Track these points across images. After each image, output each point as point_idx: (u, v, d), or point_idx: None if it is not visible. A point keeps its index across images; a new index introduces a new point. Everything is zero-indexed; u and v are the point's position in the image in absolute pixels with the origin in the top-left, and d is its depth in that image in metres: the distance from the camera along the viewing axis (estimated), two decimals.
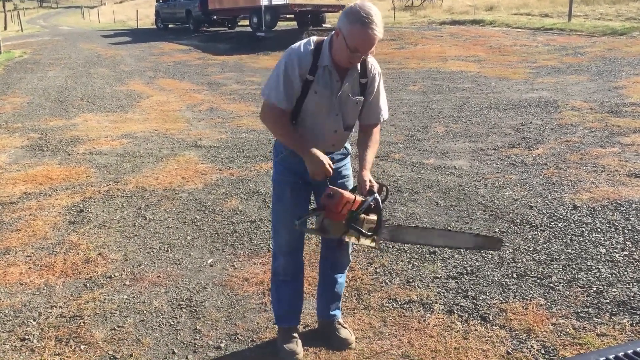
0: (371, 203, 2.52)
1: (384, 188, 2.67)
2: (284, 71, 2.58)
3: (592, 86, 9.73)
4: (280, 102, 2.60)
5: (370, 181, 2.61)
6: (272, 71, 2.66)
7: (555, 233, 4.28)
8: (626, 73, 10.70)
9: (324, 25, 21.95)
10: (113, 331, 3.26)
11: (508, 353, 2.94)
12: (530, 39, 16.64)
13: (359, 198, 2.53)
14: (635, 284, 3.51)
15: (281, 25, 23.07)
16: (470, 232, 2.86)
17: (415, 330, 3.17)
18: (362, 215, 2.52)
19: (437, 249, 4.09)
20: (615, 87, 9.49)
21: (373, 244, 2.61)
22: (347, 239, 2.57)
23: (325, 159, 2.59)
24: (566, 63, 12.33)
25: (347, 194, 2.51)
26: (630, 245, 4.02)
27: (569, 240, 4.15)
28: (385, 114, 2.83)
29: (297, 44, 2.62)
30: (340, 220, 2.50)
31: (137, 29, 31.92)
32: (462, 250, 4.05)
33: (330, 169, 2.58)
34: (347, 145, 2.91)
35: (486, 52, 14.91)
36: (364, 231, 2.51)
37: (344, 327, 3.11)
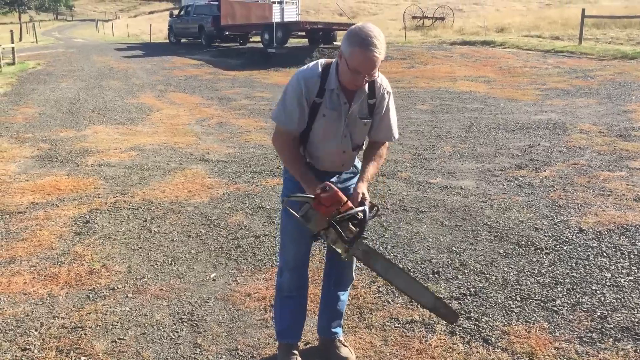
0: (359, 214, 2.52)
1: (375, 207, 2.66)
2: (291, 95, 2.60)
3: (601, 109, 9.72)
4: (288, 126, 2.63)
5: (363, 194, 2.61)
6: (281, 94, 2.68)
7: (561, 256, 4.25)
8: (636, 97, 10.68)
9: (334, 43, 22.09)
10: (114, 343, 3.26)
11: None
12: (540, 61, 16.66)
13: (350, 204, 2.53)
14: None
15: (292, 42, 23.25)
16: (433, 293, 2.78)
17: (417, 350, 3.15)
18: (348, 223, 2.53)
19: (441, 269, 4.07)
20: (624, 111, 9.47)
21: (344, 254, 2.59)
22: (323, 235, 2.57)
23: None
24: (576, 86, 12.33)
25: (341, 194, 2.52)
26: (636, 270, 3.99)
27: (574, 264, 4.12)
28: (395, 133, 2.83)
29: (305, 67, 2.65)
30: (325, 215, 2.51)
31: (150, 43, 32.25)
32: (465, 272, 4.04)
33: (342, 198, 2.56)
34: (357, 164, 2.92)
35: (496, 73, 14.94)
36: (342, 234, 2.50)
37: (345, 346, 3.09)
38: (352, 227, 2.55)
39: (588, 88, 11.97)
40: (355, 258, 2.77)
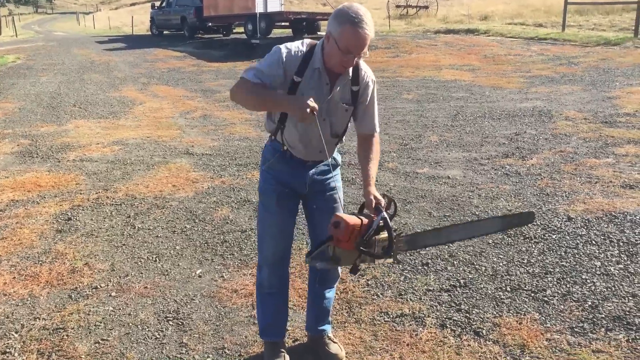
0: (380, 222, 2.40)
1: (392, 203, 2.55)
2: (270, 61, 2.50)
3: (585, 96, 9.72)
4: (254, 78, 2.47)
5: (376, 197, 2.48)
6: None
7: (550, 245, 4.22)
8: (620, 83, 10.70)
9: (318, 32, 21.96)
10: (97, 345, 3.18)
11: None
12: (524, 48, 16.65)
13: (366, 220, 2.40)
14: (630, 298, 3.45)
15: (276, 32, 23.07)
16: (494, 217, 2.68)
17: (407, 345, 3.10)
18: (375, 237, 2.41)
19: (430, 261, 4.03)
20: (609, 98, 9.48)
21: (391, 260, 2.50)
22: (362, 265, 2.47)
23: (305, 97, 2.40)
24: (560, 73, 12.33)
25: (352, 219, 2.37)
26: (626, 258, 3.97)
27: (563, 253, 4.09)
28: (377, 126, 2.75)
29: (291, 43, 2.56)
30: (350, 248, 2.38)
31: (132, 35, 31.87)
32: (455, 263, 3.99)
33: (315, 105, 2.36)
34: (337, 156, 2.84)
35: (480, 61, 14.91)
36: (375, 253, 2.39)
37: (334, 342, 3.03)
38: (382, 236, 2.42)
39: (572, 75, 11.97)
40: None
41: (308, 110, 2.33)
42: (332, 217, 2.42)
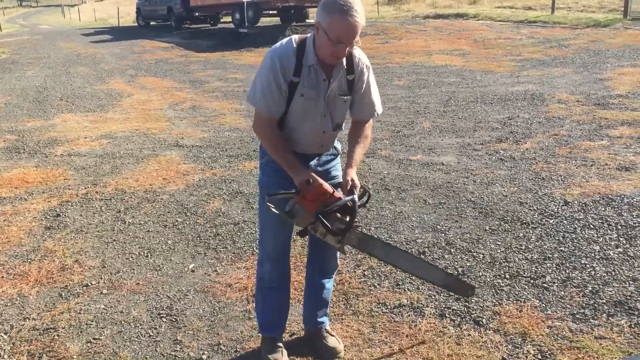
0: (348, 203, 2.38)
1: (367, 193, 2.52)
2: (268, 75, 2.40)
3: (577, 78, 9.67)
4: (271, 108, 2.44)
5: (353, 181, 2.46)
6: (255, 76, 2.49)
7: (547, 230, 4.17)
8: (611, 65, 10.65)
9: (307, 20, 21.76)
10: (89, 344, 3.10)
11: (503, 359, 2.82)
12: (514, 32, 16.58)
13: (337, 194, 2.38)
14: (631, 282, 3.40)
15: (264, 21, 22.86)
16: (442, 269, 2.73)
17: (406, 336, 3.04)
18: (337, 214, 2.39)
19: (426, 249, 3.96)
20: (600, 79, 9.43)
21: (337, 245, 2.46)
22: (311, 231, 2.42)
23: (319, 179, 2.42)
24: (551, 55, 12.27)
25: (326, 185, 2.37)
26: (624, 241, 3.92)
27: (561, 238, 4.04)
28: (379, 108, 2.68)
29: (277, 44, 2.46)
30: (311, 209, 2.36)
31: (118, 27, 31.52)
32: (452, 251, 3.93)
33: (328, 190, 2.41)
34: (337, 145, 2.76)
35: (470, 45, 14.83)
36: (330, 227, 2.36)
37: (332, 335, 2.96)
38: (342, 217, 2.40)
39: (563, 57, 11.91)
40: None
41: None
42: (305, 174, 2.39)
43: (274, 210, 2.43)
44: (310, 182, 2.34)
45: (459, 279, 2.79)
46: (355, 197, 2.39)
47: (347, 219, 2.41)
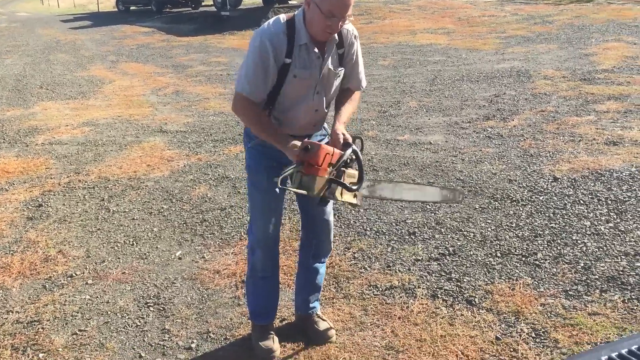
0: (351, 155, 2.30)
1: (358, 140, 2.42)
2: (256, 58, 2.29)
3: (563, 54, 9.62)
4: (254, 94, 2.34)
5: (344, 134, 2.37)
6: (243, 59, 2.39)
7: (537, 207, 4.13)
8: (595, 40, 10.62)
9: (290, 2, 21.51)
10: (74, 336, 3.02)
11: (497, 338, 2.79)
12: (497, 9, 16.50)
13: (337, 150, 2.29)
14: (623, 257, 3.38)
15: (246, 3, 22.58)
16: (436, 186, 2.81)
17: (399, 318, 3.00)
18: (343, 169, 2.29)
19: (417, 230, 3.92)
20: (586, 55, 9.39)
21: (355, 200, 2.37)
22: (328, 195, 2.33)
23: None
24: (535, 32, 12.21)
25: (325, 145, 2.26)
26: (615, 216, 3.89)
27: (551, 214, 4.01)
28: (364, 81, 2.61)
29: (265, 25, 2.34)
30: (322, 175, 2.24)
31: (98, 12, 30.98)
32: (442, 230, 3.89)
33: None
34: (327, 126, 2.68)
35: (455, 23, 14.73)
36: (347, 185, 2.26)
37: (323, 320, 2.92)
38: (350, 171, 2.31)
39: (548, 34, 11.86)
40: (332, 228, 2.57)
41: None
42: (299, 145, 2.28)
43: (291, 189, 2.32)
44: (309, 148, 2.24)
45: (450, 189, 2.89)
46: (355, 147, 2.31)
47: (356, 171, 2.32)
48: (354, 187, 2.29)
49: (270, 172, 2.54)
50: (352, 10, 2.26)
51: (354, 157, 2.31)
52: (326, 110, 2.55)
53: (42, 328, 3.11)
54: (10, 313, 3.27)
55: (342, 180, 2.27)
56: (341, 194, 2.31)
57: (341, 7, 2.17)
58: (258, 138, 2.51)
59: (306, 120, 2.49)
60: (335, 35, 2.35)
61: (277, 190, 2.51)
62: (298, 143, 2.29)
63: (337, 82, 2.49)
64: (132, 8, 27.82)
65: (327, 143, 2.42)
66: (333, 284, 3.37)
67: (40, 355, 2.88)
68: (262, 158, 2.56)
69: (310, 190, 2.28)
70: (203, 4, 25.92)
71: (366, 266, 3.54)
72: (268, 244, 2.70)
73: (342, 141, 2.34)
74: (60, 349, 2.92)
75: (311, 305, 2.91)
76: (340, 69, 2.45)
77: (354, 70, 2.53)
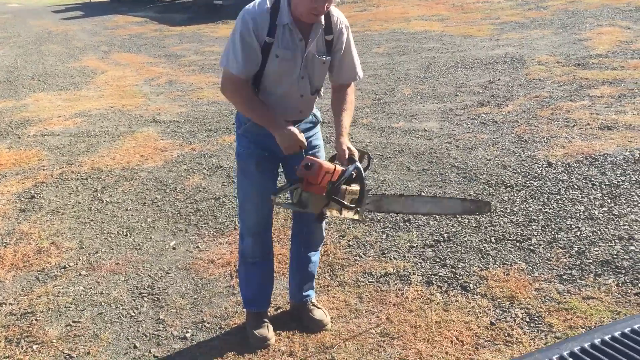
0: (353, 172, 2.29)
1: (366, 155, 2.43)
2: (240, 36, 2.30)
3: (557, 40, 9.59)
4: (241, 71, 2.34)
5: (349, 149, 2.37)
6: (228, 38, 2.39)
7: (532, 192, 4.13)
8: (590, 25, 10.57)
9: None
10: (68, 327, 3.01)
11: (492, 324, 2.79)
12: None
13: (339, 167, 2.28)
14: (617, 241, 3.38)
15: None
16: (456, 198, 2.74)
17: (394, 305, 3.00)
18: (344, 186, 2.28)
19: (411, 217, 3.91)
20: (580, 40, 9.36)
21: (356, 217, 2.39)
22: (328, 213, 2.34)
23: (297, 131, 2.36)
24: (529, 18, 12.16)
25: (325, 163, 2.26)
26: (609, 200, 3.89)
27: (546, 199, 4.00)
28: (359, 71, 2.59)
29: (250, 4, 2.35)
30: (320, 193, 2.26)
31: (89, 2, 30.71)
32: (437, 217, 3.88)
33: (304, 141, 2.36)
34: (317, 112, 2.66)
35: (449, 10, 14.65)
36: (346, 203, 2.27)
37: (318, 308, 2.91)
38: (352, 188, 2.30)
39: (542, 19, 11.81)
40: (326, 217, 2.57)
41: (294, 150, 2.33)
42: (300, 162, 2.28)
43: (287, 207, 2.33)
44: (309, 166, 2.23)
45: (473, 200, 2.81)
46: (358, 164, 2.31)
47: (358, 188, 2.32)
48: (352, 206, 2.30)
49: (259, 160, 2.53)
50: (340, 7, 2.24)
51: (355, 173, 2.30)
52: (312, 97, 2.53)
53: (36, 320, 3.09)
54: (4, 305, 3.25)
55: (342, 196, 2.27)
56: (340, 211, 2.31)
57: None
58: (248, 123, 2.50)
59: (292, 105, 2.47)
60: (322, 20, 2.33)
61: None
62: (293, 128, 2.29)
63: (323, 69, 2.47)
64: None
65: (333, 158, 2.42)
66: (328, 272, 3.36)
67: (34, 346, 2.87)
68: (251, 145, 2.54)
69: (308, 207, 2.30)
70: None
71: (361, 254, 3.54)
72: (258, 231, 2.70)
73: (347, 156, 2.34)
74: (54, 341, 2.91)
75: (305, 293, 2.90)
76: (326, 57, 2.43)
77: (345, 60, 2.51)
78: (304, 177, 2.26)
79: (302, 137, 2.38)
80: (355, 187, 2.33)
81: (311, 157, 2.29)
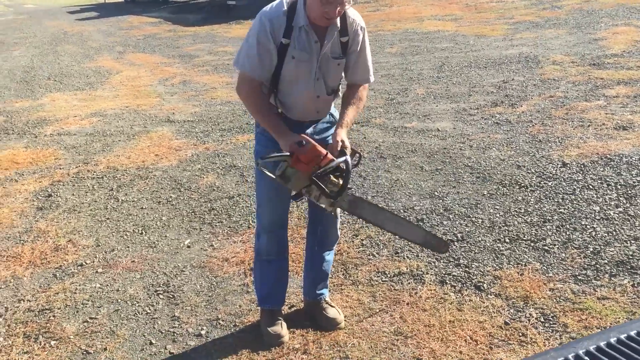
0: (341, 165, 2.32)
1: (357, 154, 2.46)
2: (257, 38, 2.33)
3: (572, 39, 9.53)
4: (255, 71, 2.37)
5: (343, 142, 2.39)
6: (244, 39, 2.41)
7: (546, 192, 4.11)
8: (605, 24, 10.50)
9: None
10: (85, 324, 3.06)
11: (506, 323, 2.79)
12: None
13: (330, 156, 2.31)
14: (633, 241, 3.36)
15: None
16: (422, 228, 2.77)
17: (407, 304, 3.01)
18: (329, 175, 2.33)
19: (425, 217, 3.91)
20: (595, 39, 9.29)
21: (330, 208, 2.41)
22: (305, 193, 2.37)
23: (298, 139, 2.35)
24: (544, 17, 12.09)
25: (319, 147, 2.29)
26: (624, 201, 3.87)
27: (560, 200, 3.99)
28: (372, 75, 2.59)
29: (267, 6, 2.37)
30: (306, 172, 2.30)
31: (104, 3, 30.95)
32: (450, 216, 3.88)
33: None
34: (334, 112, 2.68)
35: (462, 10, 14.61)
36: (326, 190, 2.30)
37: (332, 306, 2.93)
38: (335, 180, 2.34)
39: (556, 19, 11.74)
40: (340, 211, 2.60)
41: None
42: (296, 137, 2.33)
43: (267, 173, 2.36)
44: (303, 144, 2.26)
45: (435, 236, 2.82)
46: (348, 158, 2.33)
47: (341, 181, 2.35)
48: (331, 195, 2.32)
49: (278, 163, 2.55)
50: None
51: (343, 167, 2.33)
52: (329, 98, 2.55)
53: (54, 316, 3.14)
54: (22, 302, 3.30)
55: (325, 183, 2.30)
56: (318, 197, 2.33)
57: None
58: None
59: (309, 105, 2.49)
60: (338, 22, 2.35)
61: (255, 167, 2.59)
62: (294, 146, 2.31)
63: (338, 70, 2.48)
64: None
65: (326, 146, 2.44)
66: (341, 271, 3.38)
67: (52, 342, 2.92)
68: (269, 144, 2.56)
69: (289, 182, 2.34)
70: None
71: (374, 253, 3.55)
72: (273, 229, 2.72)
73: (339, 148, 2.36)
74: (71, 337, 2.95)
75: (319, 291, 2.92)
76: (341, 58, 2.44)
77: (360, 61, 2.52)
78: (294, 153, 2.29)
79: (318, 147, 2.34)
80: (339, 180, 2.36)
81: (306, 137, 2.31)
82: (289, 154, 2.31)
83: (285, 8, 2.33)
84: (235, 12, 18.38)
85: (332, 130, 2.62)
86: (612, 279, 3.05)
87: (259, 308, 2.94)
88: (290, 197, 2.66)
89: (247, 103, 2.48)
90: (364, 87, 2.59)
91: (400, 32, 12.33)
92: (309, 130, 2.55)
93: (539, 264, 3.26)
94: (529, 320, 2.80)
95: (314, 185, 2.31)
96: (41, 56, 13.01)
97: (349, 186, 2.37)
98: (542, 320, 2.79)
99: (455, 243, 3.57)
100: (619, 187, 4.07)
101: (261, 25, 2.32)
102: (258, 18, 2.35)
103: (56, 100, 8.52)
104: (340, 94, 2.62)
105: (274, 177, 2.35)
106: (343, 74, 2.56)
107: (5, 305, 3.27)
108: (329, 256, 2.90)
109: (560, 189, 4.15)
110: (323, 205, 2.39)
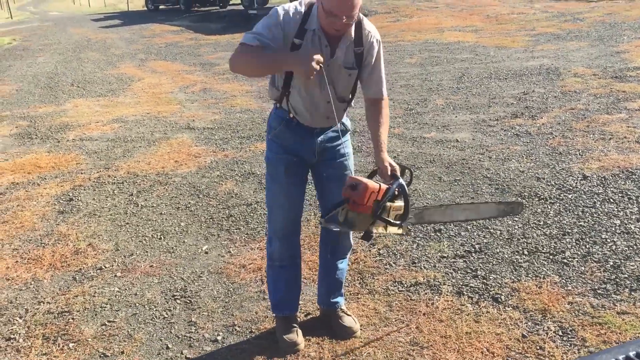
0: (396, 189, 2.31)
1: (407, 170, 2.45)
2: (267, 22, 2.34)
3: (593, 52, 9.46)
4: (252, 40, 2.31)
5: (391, 165, 2.38)
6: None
7: (566, 205, 4.08)
8: (628, 37, 10.42)
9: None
10: (103, 327, 3.08)
11: (523, 336, 2.76)
12: (527, 6, 16.28)
13: (384, 186, 2.30)
14: None
15: (273, 1, 22.66)
16: (491, 202, 2.79)
17: (424, 314, 2.99)
18: (388, 204, 2.31)
19: (442, 227, 3.90)
20: (617, 52, 9.22)
21: (401, 231, 2.41)
22: (374, 231, 2.36)
23: (310, 50, 2.29)
24: (566, 29, 12.03)
25: (371, 183, 2.26)
26: None
27: (580, 212, 3.95)
28: (384, 91, 2.58)
29: (289, 3, 2.40)
30: (367, 212, 2.27)
31: (127, 11, 31.41)
32: (468, 227, 3.86)
33: (320, 57, 2.21)
34: (347, 121, 2.68)
35: (483, 21, 14.58)
36: (391, 221, 2.30)
37: (348, 315, 2.92)
38: (396, 204, 2.33)
39: (578, 31, 11.67)
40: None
41: (314, 63, 2.16)
42: (345, 181, 2.31)
43: (335, 229, 2.36)
44: (355, 186, 2.25)
45: (507, 202, 2.86)
46: (402, 180, 2.33)
47: (402, 204, 2.34)
48: (398, 222, 2.33)
49: (288, 165, 2.57)
50: (374, 17, 2.26)
51: (399, 191, 2.32)
52: (341, 105, 2.53)
53: (72, 319, 3.17)
54: (42, 304, 3.34)
55: (387, 213, 2.30)
56: (386, 227, 2.33)
57: (341, 8, 2.18)
58: (278, 128, 2.54)
59: (319, 110, 2.48)
60: (352, 32, 2.35)
61: (321, 227, 2.67)
62: (317, 56, 2.19)
63: (349, 81, 2.48)
64: (161, 7, 28.14)
65: (373, 173, 2.45)
66: (358, 280, 3.37)
67: (71, 345, 2.95)
68: (280, 150, 2.58)
69: (354, 227, 2.35)
70: (231, 2, 26.11)
71: (391, 262, 3.54)
72: (285, 235, 2.73)
73: (389, 172, 2.36)
74: (89, 339, 2.98)
75: (334, 300, 2.92)
76: (354, 69, 2.44)
77: (373, 75, 2.51)
78: (349, 198, 2.27)
79: (318, 55, 2.22)
80: (400, 203, 2.35)
81: (356, 177, 2.29)
82: (344, 200, 2.28)
83: (303, 9, 2.35)
84: (256, 21, 18.43)
85: (344, 139, 2.61)
86: (633, 293, 3.01)
87: (274, 315, 2.94)
88: (301, 204, 2.69)
89: (244, 61, 2.36)
90: (385, 101, 2.57)
91: (421, 42, 12.33)
92: (320, 138, 2.56)
93: (557, 277, 3.23)
94: (547, 333, 2.77)
95: (379, 220, 2.30)
96: (65, 63, 13.22)
97: (412, 203, 2.37)
98: (561, 333, 2.76)
99: (473, 254, 3.55)
100: None
101: (276, 13, 2.33)
102: (275, 8, 2.36)
103: (79, 106, 8.64)
104: (353, 104, 2.62)
105: (341, 229, 2.35)
106: (360, 86, 2.56)
107: (25, 307, 3.31)
108: (342, 264, 2.90)
109: (581, 201, 4.11)
110: (395, 232, 2.39)
